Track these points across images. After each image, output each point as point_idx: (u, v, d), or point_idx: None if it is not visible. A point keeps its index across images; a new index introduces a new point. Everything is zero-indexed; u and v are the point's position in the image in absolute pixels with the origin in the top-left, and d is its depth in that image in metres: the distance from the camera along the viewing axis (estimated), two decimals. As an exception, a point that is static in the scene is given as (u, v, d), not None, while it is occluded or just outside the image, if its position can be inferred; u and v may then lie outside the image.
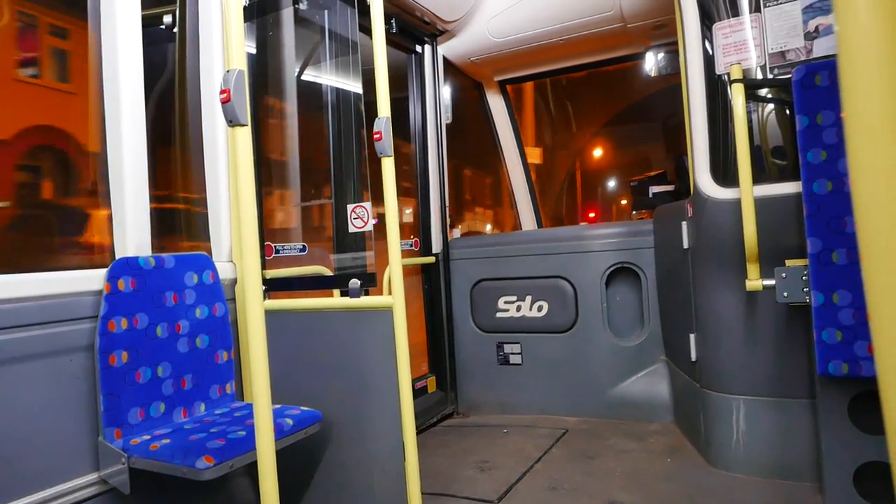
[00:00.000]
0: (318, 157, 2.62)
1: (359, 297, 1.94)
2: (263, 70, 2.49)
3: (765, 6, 2.11)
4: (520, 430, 2.91)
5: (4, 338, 1.46)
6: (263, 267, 2.24)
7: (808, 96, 1.86)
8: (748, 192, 1.99)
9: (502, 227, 9.92)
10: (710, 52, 2.22)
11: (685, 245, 2.42)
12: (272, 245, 2.32)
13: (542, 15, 3.12)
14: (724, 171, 2.19)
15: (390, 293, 1.83)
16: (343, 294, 2.01)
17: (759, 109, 2.14)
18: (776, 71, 2.10)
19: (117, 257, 1.77)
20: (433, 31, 3.27)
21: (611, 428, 2.85)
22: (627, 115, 8.14)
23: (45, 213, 3.19)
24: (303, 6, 2.51)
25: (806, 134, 1.86)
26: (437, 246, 3.34)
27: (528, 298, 3.19)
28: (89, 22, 1.87)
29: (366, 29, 1.95)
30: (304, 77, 2.64)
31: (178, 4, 2.20)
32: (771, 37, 2.10)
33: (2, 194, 3.28)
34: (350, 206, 2.23)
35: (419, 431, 2.96)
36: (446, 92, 3.51)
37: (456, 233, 3.58)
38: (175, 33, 2.24)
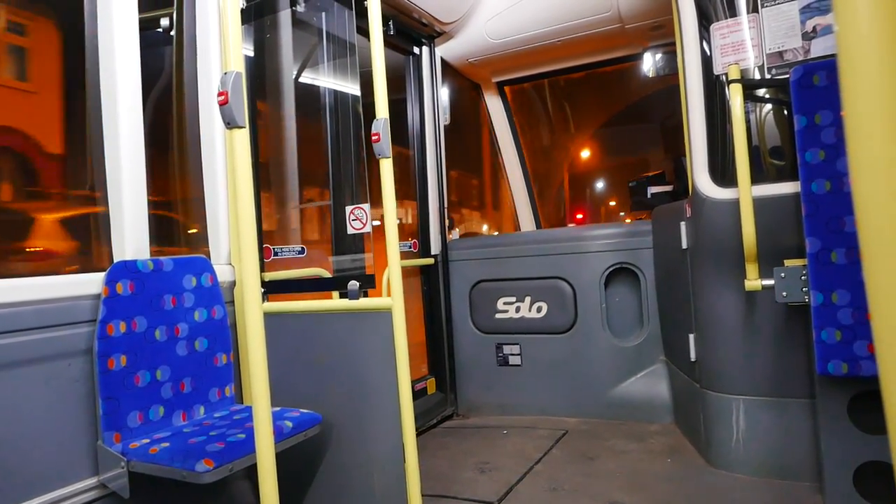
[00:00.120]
0: (317, 160, 2.62)
1: (358, 298, 1.94)
2: (261, 72, 2.49)
3: (762, 6, 2.11)
4: (520, 432, 2.91)
5: (3, 342, 1.45)
6: (262, 269, 2.23)
7: (806, 96, 1.86)
8: (747, 192, 1.99)
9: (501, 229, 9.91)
10: (708, 52, 2.22)
11: (684, 245, 2.42)
12: (271, 247, 2.32)
13: (539, 16, 3.13)
14: (722, 172, 2.19)
15: (389, 295, 1.83)
16: (342, 296, 2.01)
17: (758, 109, 2.14)
18: (774, 71, 2.10)
19: (115, 261, 1.77)
20: (431, 33, 3.27)
21: (611, 428, 2.85)
22: (625, 116, 8.14)
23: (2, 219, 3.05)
24: (300, 8, 2.51)
25: (804, 134, 1.86)
26: (435, 247, 3.33)
27: (528, 299, 3.18)
28: (86, 25, 1.87)
29: (363, 31, 1.95)
30: (301, 79, 2.64)
31: (175, 7, 2.20)
32: (769, 37, 2.10)
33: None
34: (348, 208, 2.23)
35: (419, 433, 2.95)
36: (444, 93, 3.51)
37: (455, 234, 3.58)
38: (172, 36, 2.24)
